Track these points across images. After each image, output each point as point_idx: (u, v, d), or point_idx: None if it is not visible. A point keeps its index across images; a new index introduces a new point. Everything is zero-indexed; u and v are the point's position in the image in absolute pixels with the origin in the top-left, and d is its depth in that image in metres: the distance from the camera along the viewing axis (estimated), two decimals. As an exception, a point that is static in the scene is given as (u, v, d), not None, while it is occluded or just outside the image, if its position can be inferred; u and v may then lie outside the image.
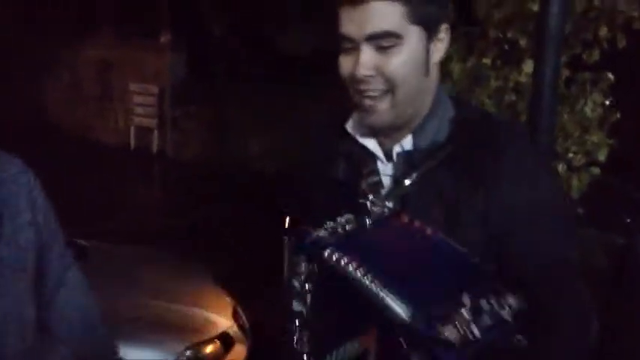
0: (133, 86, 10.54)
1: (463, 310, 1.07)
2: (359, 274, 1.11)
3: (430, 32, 1.32)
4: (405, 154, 1.37)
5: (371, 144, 1.41)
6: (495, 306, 1.10)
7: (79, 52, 11.14)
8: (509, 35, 3.33)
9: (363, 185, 1.38)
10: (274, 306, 1.32)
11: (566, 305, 1.25)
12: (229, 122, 9.99)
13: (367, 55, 1.29)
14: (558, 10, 2.26)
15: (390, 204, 1.31)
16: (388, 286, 1.08)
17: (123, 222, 6.69)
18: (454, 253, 1.21)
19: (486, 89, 3.28)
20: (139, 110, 10.50)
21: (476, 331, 1.05)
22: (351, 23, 1.29)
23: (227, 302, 3.50)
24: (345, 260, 1.13)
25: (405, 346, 1.04)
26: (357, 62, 1.30)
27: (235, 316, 3.41)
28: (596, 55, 3.38)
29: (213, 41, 10.58)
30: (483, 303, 1.09)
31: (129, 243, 4.39)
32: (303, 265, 1.21)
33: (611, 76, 3.36)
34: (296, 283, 1.22)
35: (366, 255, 1.15)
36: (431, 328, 1.04)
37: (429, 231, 1.23)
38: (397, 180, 1.36)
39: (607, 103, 3.47)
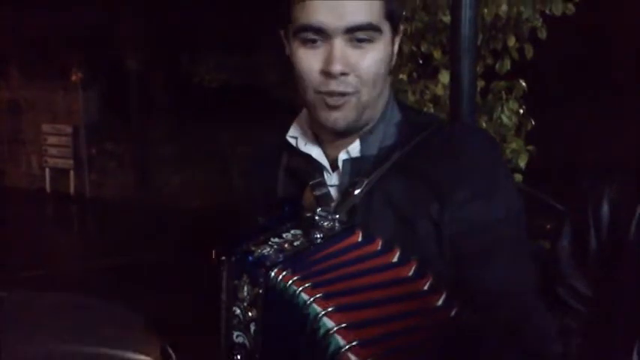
0: (45, 127, 10.19)
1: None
2: (305, 297, 0.96)
3: (395, 28, 1.21)
4: (351, 162, 1.23)
5: (315, 152, 1.26)
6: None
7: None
8: (422, 49, 3.36)
9: (311, 198, 1.21)
10: (207, 342, 1.18)
11: (529, 329, 1.13)
12: (149, 158, 9.77)
13: (342, 49, 1.14)
14: (470, 20, 2.28)
15: (339, 217, 1.16)
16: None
17: (44, 268, 6.42)
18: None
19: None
20: (54, 151, 10.15)
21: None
22: (328, 12, 1.12)
23: (155, 341, 3.37)
24: (295, 280, 0.98)
25: None
26: (330, 57, 1.13)
27: (164, 355, 3.29)
28: (507, 65, 3.45)
29: (128, 76, 10.39)
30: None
31: (51, 289, 4.21)
32: (246, 288, 1.04)
33: (523, 83, 3.44)
34: (237, 311, 1.04)
35: (316, 274, 1.01)
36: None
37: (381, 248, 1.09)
38: (346, 190, 1.20)
39: (521, 111, 3.54)
